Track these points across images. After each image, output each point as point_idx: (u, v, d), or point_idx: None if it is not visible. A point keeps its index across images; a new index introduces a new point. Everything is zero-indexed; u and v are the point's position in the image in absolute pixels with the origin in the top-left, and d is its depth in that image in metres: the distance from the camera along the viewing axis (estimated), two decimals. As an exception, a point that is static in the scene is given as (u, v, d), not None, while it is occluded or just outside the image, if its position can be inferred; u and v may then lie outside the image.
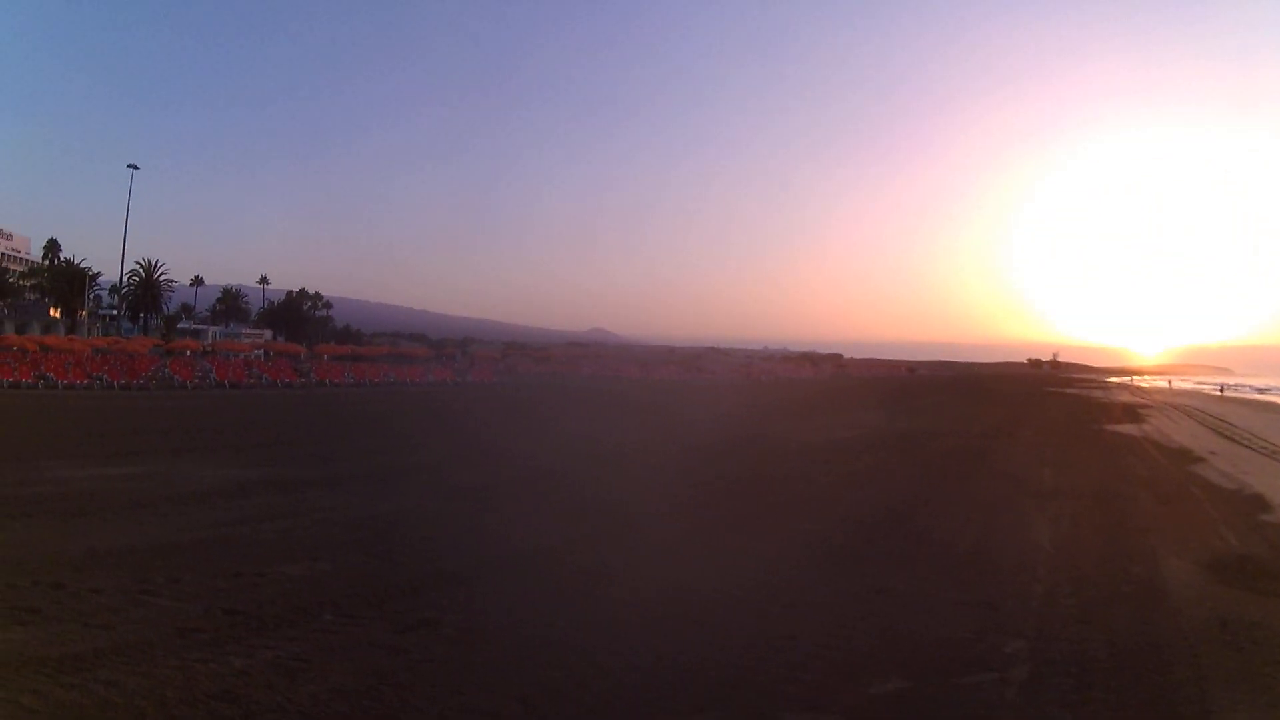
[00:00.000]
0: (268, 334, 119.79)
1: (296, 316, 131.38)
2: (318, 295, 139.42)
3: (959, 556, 12.70)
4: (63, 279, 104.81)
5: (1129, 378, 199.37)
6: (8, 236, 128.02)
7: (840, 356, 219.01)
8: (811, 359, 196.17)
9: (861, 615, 9.58)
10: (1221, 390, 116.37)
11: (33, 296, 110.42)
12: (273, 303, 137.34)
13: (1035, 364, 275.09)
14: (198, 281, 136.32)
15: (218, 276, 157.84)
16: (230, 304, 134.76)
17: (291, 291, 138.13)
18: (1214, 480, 21.76)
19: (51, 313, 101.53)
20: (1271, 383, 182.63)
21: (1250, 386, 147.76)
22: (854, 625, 9.19)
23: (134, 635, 8.20)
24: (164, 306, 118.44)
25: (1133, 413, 55.32)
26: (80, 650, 7.76)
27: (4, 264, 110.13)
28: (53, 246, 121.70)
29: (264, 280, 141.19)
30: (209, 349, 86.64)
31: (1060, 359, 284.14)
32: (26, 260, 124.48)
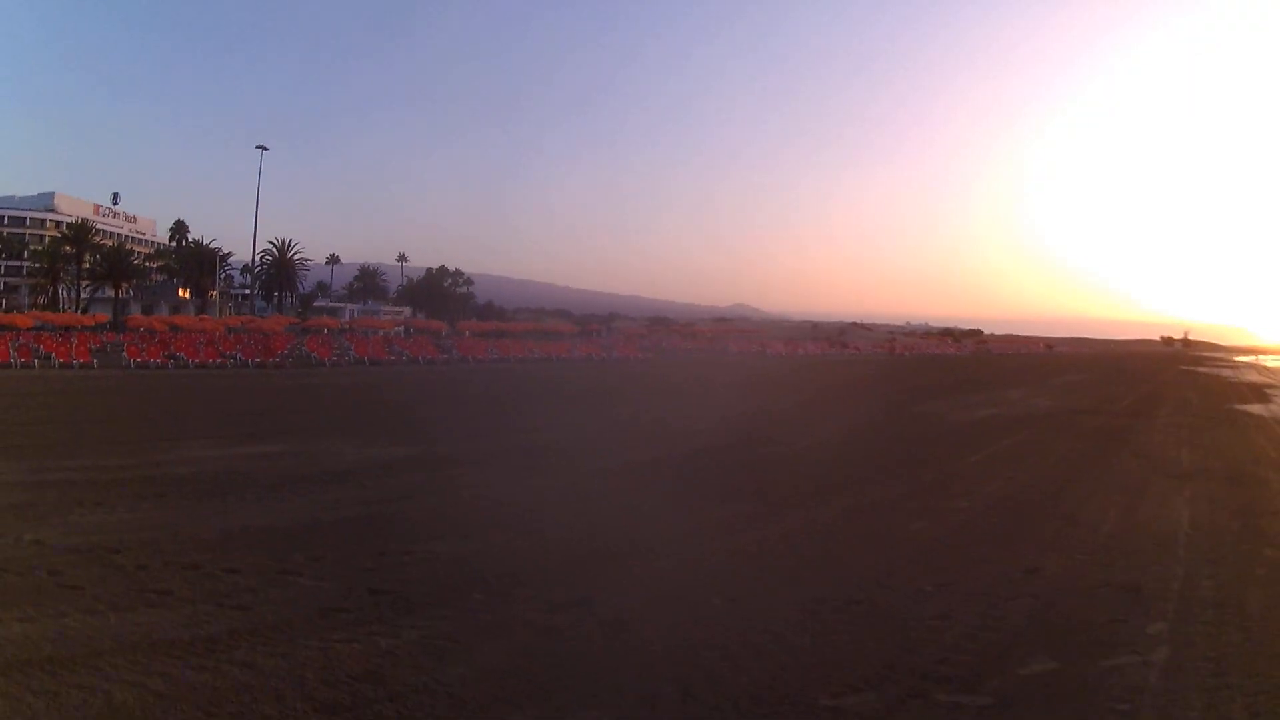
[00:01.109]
0: (407, 311, 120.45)
1: (437, 293, 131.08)
2: (458, 272, 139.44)
3: (1103, 538, 12.72)
4: (191, 259, 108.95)
5: (1255, 357, 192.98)
6: (131, 219, 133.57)
7: (980, 333, 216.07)
8: (953, 335, 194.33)
9: (1011, 596, 9.69)
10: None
11: (160, 278, 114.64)
12: (411, 280, 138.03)
13: (1168, 341, 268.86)
14: (333, 260, 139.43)
15: (354, 255, 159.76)
16: (368, 282, 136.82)
17: (431, 269, 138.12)
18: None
19: (181, 293, 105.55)
20: None
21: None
22: (1005, 606, 9.29)
23: (272, 616, 8.27)
24: (299, 285, 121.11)
25: (1260, 392, 54.04)
26: (214, 632, 7.80)
27: (129, 246, 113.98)
28: (180, 228, 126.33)
29: (402, 258, 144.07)
30: (347, 326, 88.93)
31: (1191, 338, 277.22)
32: (152, 242, 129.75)
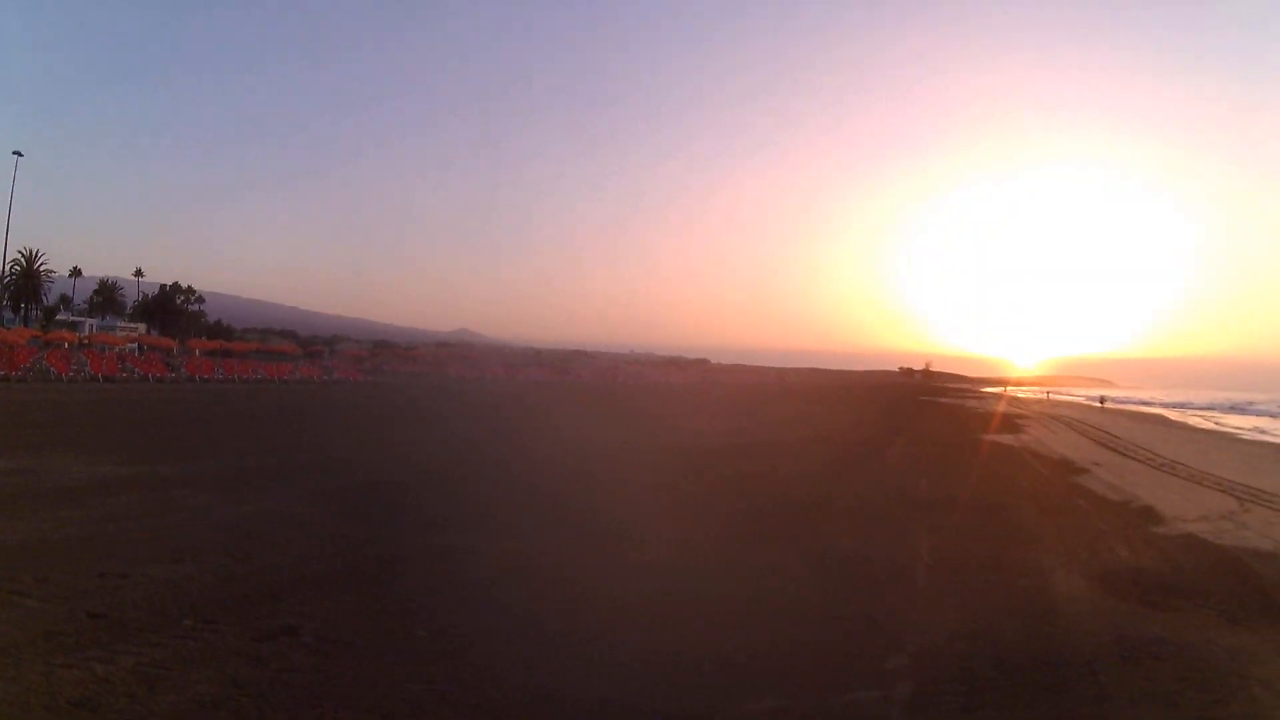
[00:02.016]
0: (142, 327, 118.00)
1: (170, 310, 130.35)
2: (190, 289, 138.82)
3: (833, 567, 12.22)
4: None
5: (1005, 388, 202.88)
6: None
7: (707, 361, 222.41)
8: (678, 364, 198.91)
9: (737, 626, 9.24)
10: (1103, 402, 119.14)
11: None
12: (147, 296, 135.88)
13: (907, 373, 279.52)
14: (76, 273, 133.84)
15: (95, 267, 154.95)
16: (107, 296, 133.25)
17: (165, 285, 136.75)
18: (1100, 491, 21.56)
19: None
20: (1155, 395, 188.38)
21: (1132, 399, 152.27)
22: (729, 638, 8.79)
23: (4, 638, 7.92)
24: (44, 297, 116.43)
25: (1010, 423, 56.05)
26: None
27: None
28: None
29: (139, 273, 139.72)
30: (85, 341, 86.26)
31: (933, 368, 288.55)
32: None
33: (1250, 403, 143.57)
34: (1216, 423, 75.68)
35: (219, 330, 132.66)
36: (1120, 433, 47.64)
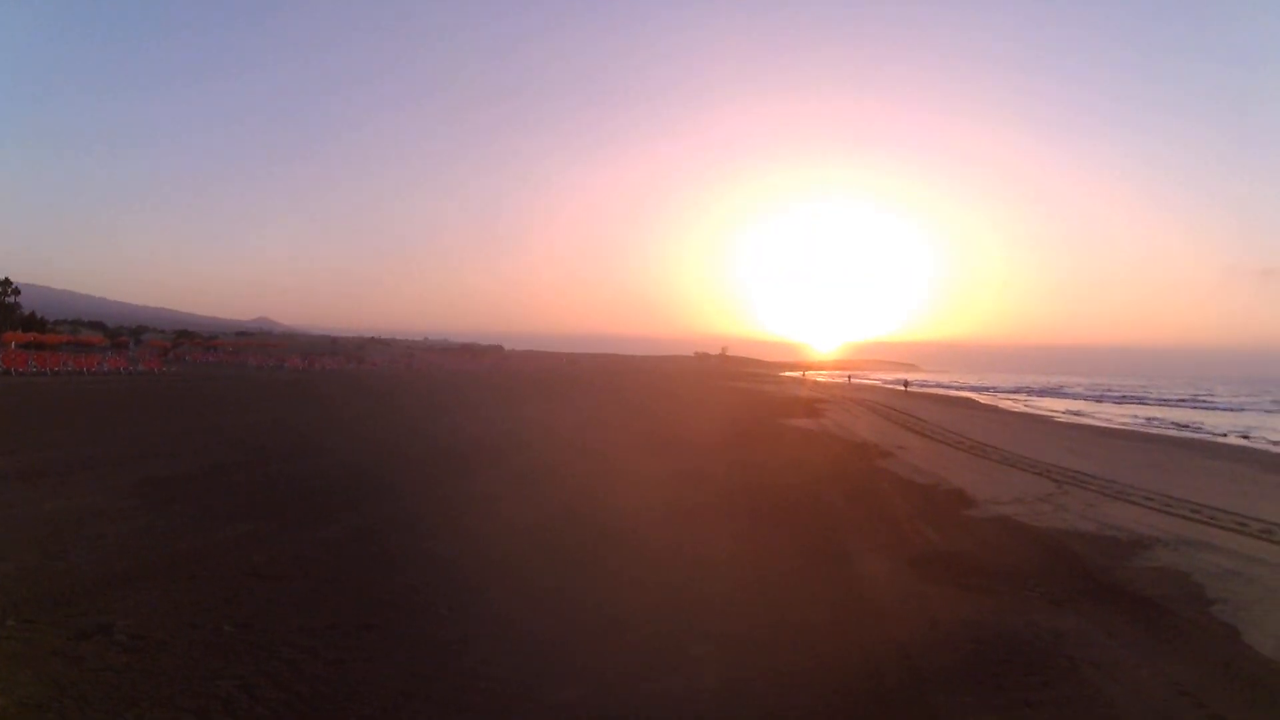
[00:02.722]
0: None
1: None
2: (6, 281, 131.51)
3: (633, 559, 12.02)
4: None
5: (804, 373, 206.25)
6: None
7: (501, 348, 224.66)
8: (472, 350, 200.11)
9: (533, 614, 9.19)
10: (906, 386, 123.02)
11: None
12: None
13: (702, 357, 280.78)
14: None
15: None
16: None
17: None
18: (906, 475, 21.73)
19: None
20: (961, 378, 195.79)
21: (937, 382, 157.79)
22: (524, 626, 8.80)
23: None
24: None
25: (810, 407, 56.72)
26: None
27: None
28: None
29: None
30: None
31: (730, 353, 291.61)
32: None
33: (1062, 386, 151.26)
34: (1028, 405, 78.95)
35: (33, 323, 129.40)
36: (926, 416, 49.21)
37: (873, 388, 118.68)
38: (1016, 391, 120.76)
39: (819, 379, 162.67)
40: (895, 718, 6.76)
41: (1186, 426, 53.56)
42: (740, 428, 37.98)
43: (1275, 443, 41.50)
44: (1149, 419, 60.57)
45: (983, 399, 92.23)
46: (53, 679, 7.15)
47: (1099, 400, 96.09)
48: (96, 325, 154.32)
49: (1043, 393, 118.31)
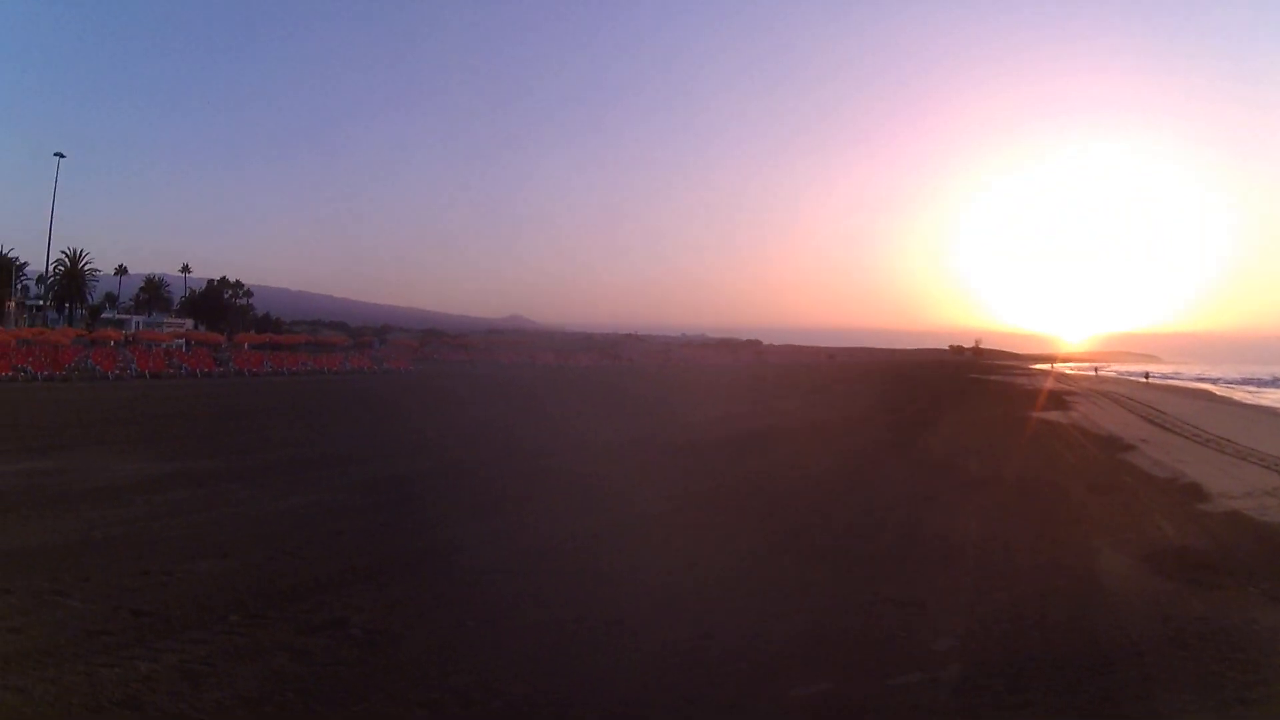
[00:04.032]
0: (189, 323, 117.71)
1: (217, 305, 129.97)
2: (238, 283, 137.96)
3: (883, 550, 12.18)
4: None
5: (1053, 365, 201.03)
6: None
7: (759, 343, 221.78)
8: (730, 345, 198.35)
9: (785, 613, 9.19)
10: (1147, 377, 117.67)
11: None
12: (194, 291, 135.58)
13: (957, 350, 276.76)
14: (121, 271, 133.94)
15: (141, 265, 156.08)
16: (153, 293, 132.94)
17: (212, 280, 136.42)
18: (1146, 468, 21.30)
19: None
20: (1200, 369, 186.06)
21: (1178, 374, 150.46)
22: (774, 624, 8.78)
23: (44, 639, 7.89)
24: (88, 296, 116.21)
25: (1058, 400, 55.47)
26: None
27: None
28: None
29: (185, 269, 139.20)
30: (131, 338, 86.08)
31: (983, 345, 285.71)
32: None
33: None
34: (1258, 397, 74.61)
35: (268, 323, 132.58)
36: (1167, 408, 47.01)
37: (1116, 379, 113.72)
38: (1245, 382, 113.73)
39: (1067, 371, 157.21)
40: (1120, 712, 6.73)
41: None
42: (992, 420, 38.27)
43: None
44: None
45: (1217, 390, 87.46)
46: (275, 672, 7.29)
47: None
48: (338, 325, 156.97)
49: (1271, 383, 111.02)
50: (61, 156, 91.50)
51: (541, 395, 51.69)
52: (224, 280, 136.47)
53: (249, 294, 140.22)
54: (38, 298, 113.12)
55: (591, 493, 16.51)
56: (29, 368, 59.60)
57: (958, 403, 52.22)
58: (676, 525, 13.81)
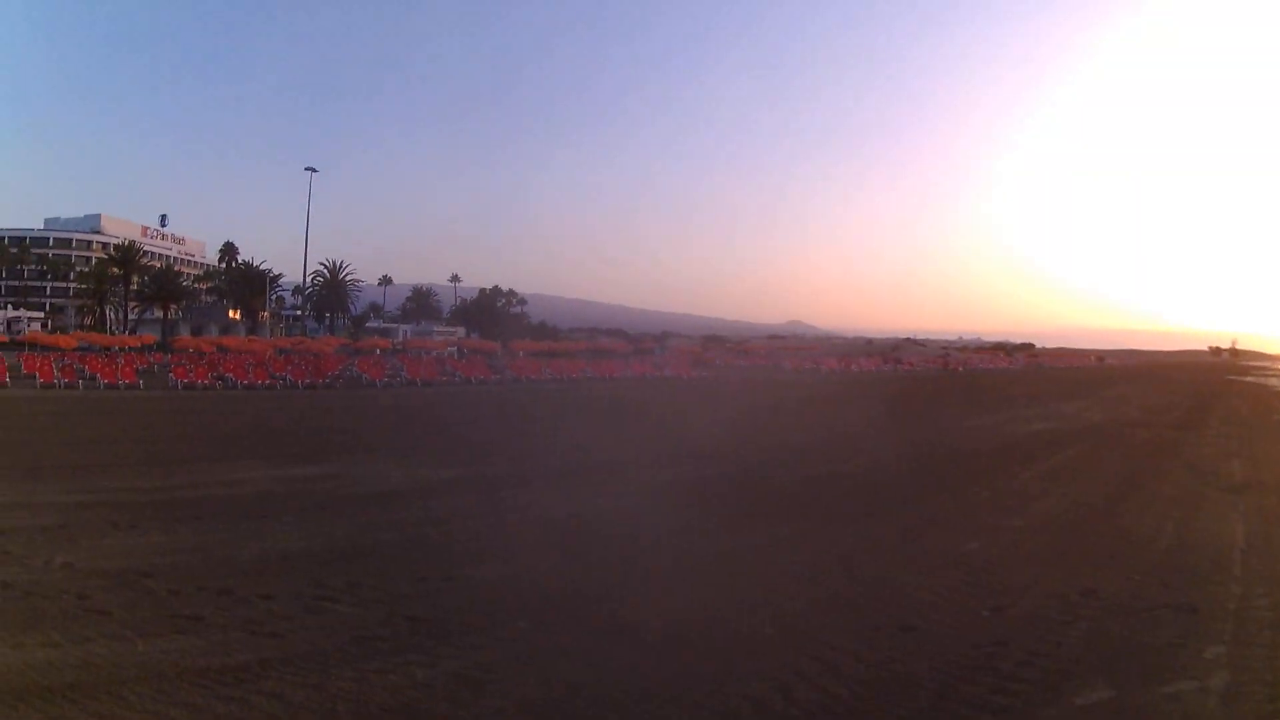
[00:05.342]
0: (460, 331, 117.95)
1: (490, 314, 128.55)
2: (511, 292, 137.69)
3: (1159, 555, 12.45)
4: (241, 281, 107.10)
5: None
6: (180, 241, 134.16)
7: (1032, 346, 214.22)
8: (1005, 349, 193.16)
9: (1069, 619, 9.51)
10: None
11: (210, 299, 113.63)
12: (465, 300, 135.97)
13: (1215, 351, 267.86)
14: (385, 281, 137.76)
15: (406, 276, 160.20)
16: (421, 302, 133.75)
17: (484, 289, 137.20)
18: None
19: (231, 315, 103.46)
20: None
21: None
22: (1062, 630, 9.13)
23: (306, 644, 8.12)
24: (351, 306, 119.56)
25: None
26: (244, 660, 7.67)
27: (178, 268, 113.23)
28: (229, 249, 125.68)
29: (455, 278, 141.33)
30: (399, 347, 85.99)
31: (1238, 346, 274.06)
32: (201, 263, 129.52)
33: None
34: None
35: (544, 331, 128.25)
36: None
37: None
38: None
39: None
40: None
41: None
42: (1254, 422, 37.86)
43: None
44: None
45: None
46: (565, 679, 7.39)
47: None
48: (616, 333, 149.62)
49: None
50: (313, 171, 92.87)
51: (821, 399, 50.60)
52: (496, 289, 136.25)
53: (523, 301, 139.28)
54: (293, 309, 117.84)
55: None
56: (289, 376, 57.57)
57: (1217, 404, 50.91)
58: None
